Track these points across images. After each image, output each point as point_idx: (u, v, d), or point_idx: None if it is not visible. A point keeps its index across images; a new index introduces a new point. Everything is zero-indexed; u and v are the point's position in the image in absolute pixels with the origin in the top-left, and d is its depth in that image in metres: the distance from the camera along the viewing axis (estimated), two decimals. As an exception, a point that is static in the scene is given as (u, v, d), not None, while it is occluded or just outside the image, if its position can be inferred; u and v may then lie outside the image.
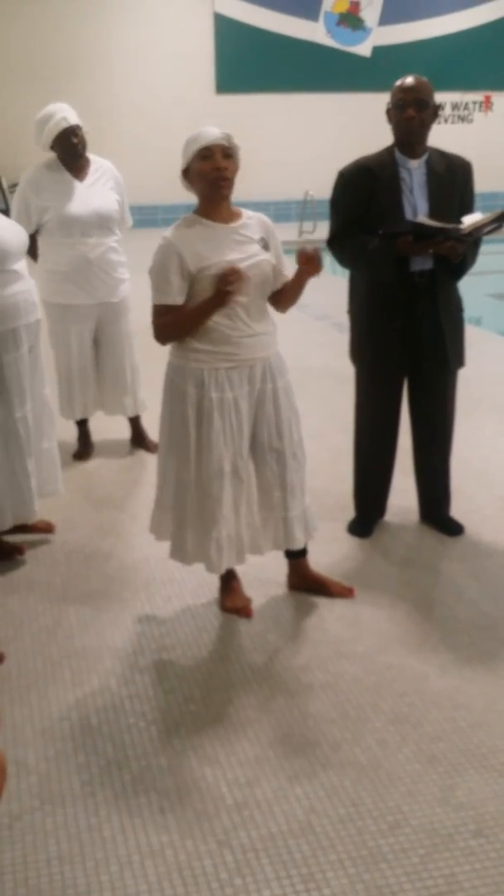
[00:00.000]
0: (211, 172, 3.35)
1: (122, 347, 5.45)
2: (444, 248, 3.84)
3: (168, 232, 3.42)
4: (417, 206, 3.94)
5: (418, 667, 3.42)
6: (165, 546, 3.75)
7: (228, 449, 3.49)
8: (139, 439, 5.71)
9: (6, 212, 4.85)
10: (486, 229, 3.83)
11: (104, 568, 4.20)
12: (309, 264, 3.45)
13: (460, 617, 3.76)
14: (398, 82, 3.94)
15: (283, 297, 3.62)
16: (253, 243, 3.46)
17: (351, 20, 17.18)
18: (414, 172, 3.96)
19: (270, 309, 3.61)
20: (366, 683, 3.33)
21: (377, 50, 17.33)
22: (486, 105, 18.27)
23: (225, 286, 3.30)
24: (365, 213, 3.95)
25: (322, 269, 3.50)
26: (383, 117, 4.00)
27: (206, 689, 3.31)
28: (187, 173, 3.43)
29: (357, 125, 14.65)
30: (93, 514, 4.77)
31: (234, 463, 3.52)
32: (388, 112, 3.96)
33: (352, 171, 4.03)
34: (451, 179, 4.02)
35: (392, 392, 4.28)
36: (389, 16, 17.27)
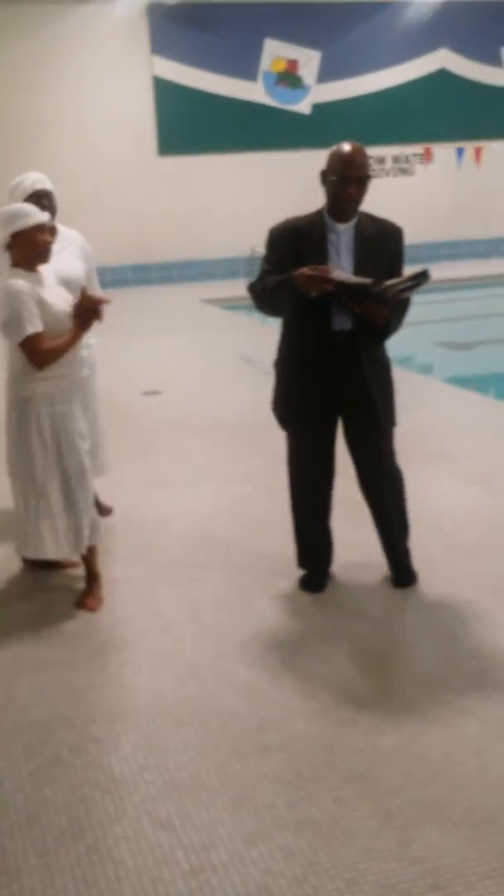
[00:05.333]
0: (42, 250, 4.10)
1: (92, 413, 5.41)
2: (367, 310, 3.89)
3: (7, 281, 4.01)
4: (343, 269, 3.99)
5: (373, 721, 3.43)
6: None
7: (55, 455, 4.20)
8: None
9: None
10: (403, 287, 3.86)
11: (55, 637, 4.16)
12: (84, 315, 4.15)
13: (415, 669, 3.78)
14: (337, 151, 3.95)
15: None
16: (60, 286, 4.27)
17: (289, 79, 17.50)
18: (342, 235, 4.03)
19: None
20: (321, 741, 3.33)
21: (317, 107, 17.64)
22: (427, 157, 18.62)
23: (88, 316, 4.12)
24: (291, 270, 3.97)
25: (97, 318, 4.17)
26: None
27: (159, 754, 3.29)
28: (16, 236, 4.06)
29: (301, 181, 14.80)
30: (42, 579, 4.74)
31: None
32: (324, 175, 3.99)
33: (280, 230, 4.11)
34: (381, 243, 4.09)
35: (317, 447, 4.29)
36: (327, 73, 17.61)
